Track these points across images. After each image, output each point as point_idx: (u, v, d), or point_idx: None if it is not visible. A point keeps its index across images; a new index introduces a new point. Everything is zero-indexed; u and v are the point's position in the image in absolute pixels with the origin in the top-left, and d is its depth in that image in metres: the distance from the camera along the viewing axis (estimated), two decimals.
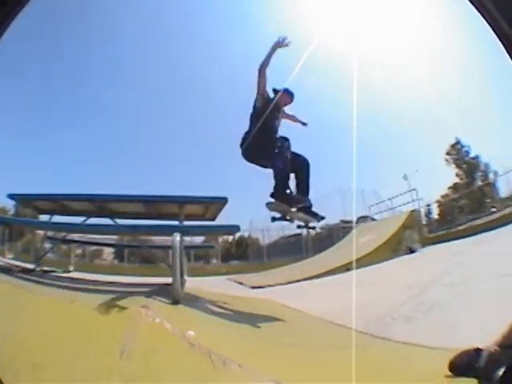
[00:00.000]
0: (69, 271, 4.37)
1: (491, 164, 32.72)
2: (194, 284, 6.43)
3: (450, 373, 1.52)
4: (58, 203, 3.36)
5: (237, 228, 2.62)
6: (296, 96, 4.65)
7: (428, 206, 25.46)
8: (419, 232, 15.05)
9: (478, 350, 1.50)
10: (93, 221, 3.22)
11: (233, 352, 1.48)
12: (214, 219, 3.38)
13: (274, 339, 2.15)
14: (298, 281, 8.31)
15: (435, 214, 28.98)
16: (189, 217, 3.20)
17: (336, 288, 6.97)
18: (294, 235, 21.83)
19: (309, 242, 19.60)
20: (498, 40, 1.00)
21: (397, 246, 12.83)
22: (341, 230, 21.25)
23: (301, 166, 4.35)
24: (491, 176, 31.83)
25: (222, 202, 2.90)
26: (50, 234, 4.43)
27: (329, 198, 23.19)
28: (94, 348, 1.29)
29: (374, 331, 3.11)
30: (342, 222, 23.98)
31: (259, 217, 22.92)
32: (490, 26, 1.00)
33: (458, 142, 35.42)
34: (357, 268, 9.73)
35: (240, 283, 9.20)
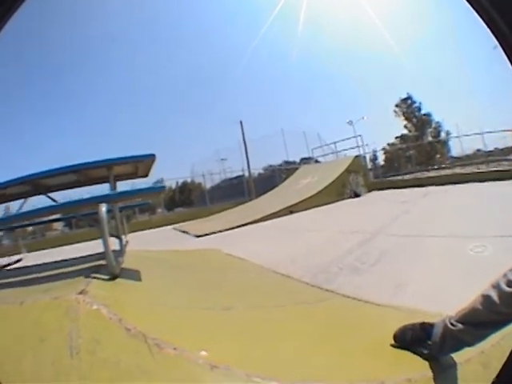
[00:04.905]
0: (20, 260, 4.04)
1: (444, 123, 34.22)
2: (138, 241, 6.16)
3: (395, 342, 1.53)
4: None
5: (163, 188, 2.63)
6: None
7: (374, 152, 26.51)
8: (364, 177, 15.45)
9: (426, 326, 1.48)
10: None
11: (170, 330, 1.50)
12: (146, 176, 3.36)
13: (216, 303, 2.18)
14: (241, 225, 8.57)
15: (381, 161, 30.26)
16: (121, 177, 3.12)
17: (279, 233, 7.12)
18: (236, 177, 21.81)
19: (251, 183, 19.69)
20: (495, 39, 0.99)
21: (341, 189, 13.31)
22: (283, 171, 21.59)
23: None
24: (443, 135, 33.78)
25: (151, 159, 2.85)
26: None
27: (271, 139, 23.30)
28: (48, 353, 1.27)
29: (320, 283, 3.12)
30: (285, 162, 24.36)
31: (200, 161, 22.49)
32: (486, 24, 0.99)
33: (409, 97, 36.35)
34: (300, 211, 10.11)
35: (185, 232, 9.36)
